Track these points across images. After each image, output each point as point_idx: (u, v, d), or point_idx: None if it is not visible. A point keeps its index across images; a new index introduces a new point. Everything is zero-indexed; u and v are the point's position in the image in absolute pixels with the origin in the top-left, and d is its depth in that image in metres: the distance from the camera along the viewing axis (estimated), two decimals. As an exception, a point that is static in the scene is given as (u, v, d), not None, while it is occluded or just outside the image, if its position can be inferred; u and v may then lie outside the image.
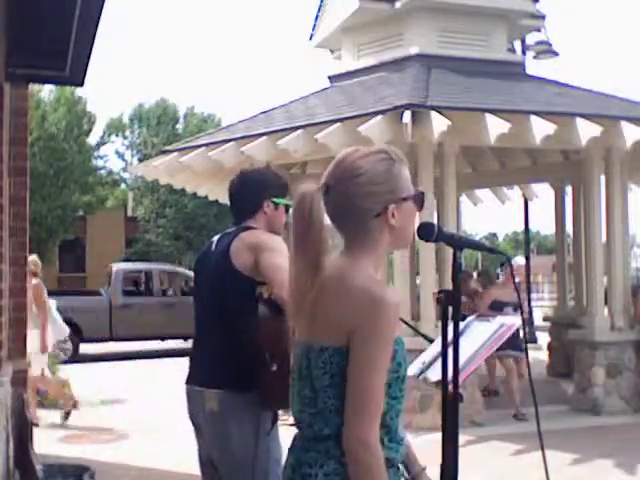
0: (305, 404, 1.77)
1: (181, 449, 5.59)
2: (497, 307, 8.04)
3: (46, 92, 27.48)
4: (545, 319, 11.70)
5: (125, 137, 36.44)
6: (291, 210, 1.79)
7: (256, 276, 2.72)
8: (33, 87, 22.63)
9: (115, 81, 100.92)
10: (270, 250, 2.71)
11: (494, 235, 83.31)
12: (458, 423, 2.04)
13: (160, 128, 33.65)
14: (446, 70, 8.73)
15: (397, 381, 1.74)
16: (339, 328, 1.69)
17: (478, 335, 2.43)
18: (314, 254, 1.71)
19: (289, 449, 1.88)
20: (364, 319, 1.66)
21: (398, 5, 9.07)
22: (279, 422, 2.79)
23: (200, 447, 2.89)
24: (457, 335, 1.99)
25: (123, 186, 37.65)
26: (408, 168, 1.88)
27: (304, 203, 1.73)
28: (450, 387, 2.00)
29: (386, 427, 1.73)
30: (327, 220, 1.78)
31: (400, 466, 1.82)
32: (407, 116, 6.87)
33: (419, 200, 1.85)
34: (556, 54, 14.30)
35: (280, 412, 2.79)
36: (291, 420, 1.89)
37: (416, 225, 1.93)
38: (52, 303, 7.98)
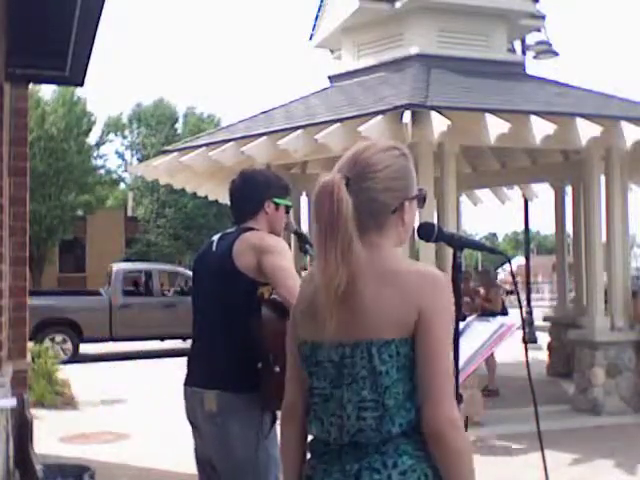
0: (365, 409, 1.66)
1: (181, 449, 5.59)
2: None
3: (48, 92, 27.54)
4: (545, 319, 11.70)
5: (125, 137, 36.48)
6: (313, 198, 1.74)
7: (258, 277, 2.71)
8: (33, 87, 22.71)
9: (115, 81, 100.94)
10: (274, 252, 2.71)
11: (494, 235, 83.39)
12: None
13: (159, 128, 33.67)
14: (446, 70, 8.73)
15: None
16: (403, 321, 1.65)
17: (478, 335, 2.43)
18: (342, 243, 1.65)
19: (318, 467, 1.72)
20: (431, 300, 1.65)
21: (398, 5, 9.07)
22: (277, 422, 2.79)
23: (197, 446, 2.89)
24: (457, 335, 1.99)
25: (123, 186, 37.68)
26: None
27: (330, 191, 1.68)
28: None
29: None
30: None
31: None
32: (407, 116, 6.87)
33: (422, 199, 1.86)
34: (556, 54, 14.30)
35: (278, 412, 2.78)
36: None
37: (416, 225, 1.94)
38: None
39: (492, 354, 8.91)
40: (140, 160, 31.85)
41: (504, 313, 9.47)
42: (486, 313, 8.72)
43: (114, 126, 35.35)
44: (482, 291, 9.82)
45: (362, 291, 1.66)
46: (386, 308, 1.65)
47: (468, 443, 1.64)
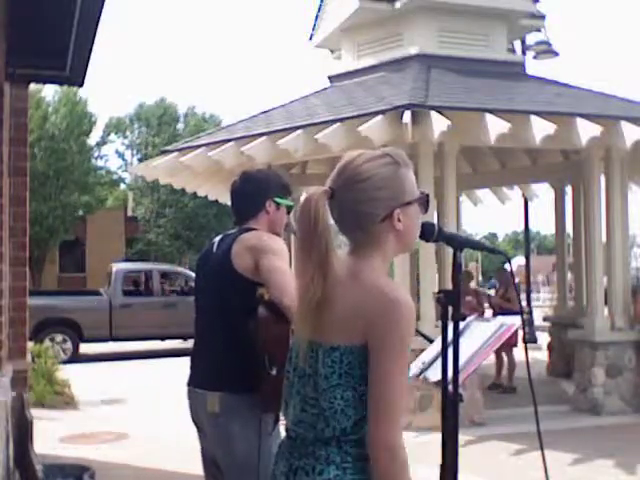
0: (307, 404, 1.75)
1: (181, 449, 5.60)
2: None
3: (50, 92, 27.54)
4: (545, 319, 11.71)
5: (125, 137, 36.47)
6: (295, 212, 1.80)
7: (256, 278, 2.71)
8: (35, 87, 22.69)
9: (116, 81, 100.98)
10: (270, 252, 2.70)
11: (494, 235, 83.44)
12: (458, 423, 2.04)
13: (160, 128, 33.66)
14: (446, 70, 8.72)
15: None
16: (352, 327, 1.68)
17: (478, 335, 2.43)
18: (319, 256, 1.70)
19: (278, 455, 1.85)
20: (382, 320, 1.66)
21: (398, 5, 9.07)
22: (280, 422, 2.79)
23: (203, 447, 2.89)
24: (457, 335, 1.99)
25: (123, 186, 37.68)
26: (412, 170, 1.87)
27: (309, 206, 1.73)
28: (450, 387, 2.00)
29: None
30: (332, 222, 1.78)
31: None
32: (407, 116, 6.87)
33: (424, 203, 1.85)
34: (556, 54, 14.30)
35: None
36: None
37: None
38: None
39: (512, 354, 9.19)
40: (141, 160, 31.84)
41: (521, 313, 9.58)
42: (505, 312, 8.88)
43: (115, 127, 35.35)
44: (501, 290, 10.23)
45: (330, 298, 1.72)
46: (340, 314, 1.71)
47: (402, 467, 1.63)
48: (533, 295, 19.45)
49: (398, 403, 1.65)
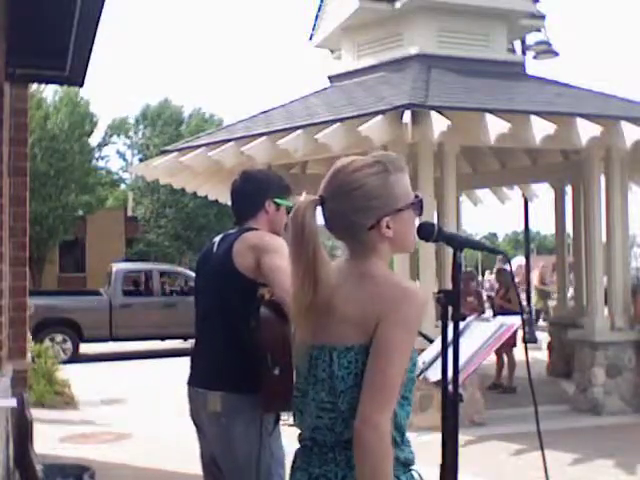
0: (323, 409, 1.74)
1: (182, 449, 5.60)
2: None
3: (50, 92, 27.53)
4: (545, 319, 11.71)
5: (128, 137, 36.47)
6: (289, 218, 1.82)
7: (258, 277, 2.71)
8: (37, 88, 22.67)
9: (119, 82, 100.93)
10: (272, 252, 2.70)
11: (494, 235, 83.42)
12: (458, 423, 2.05)
13: (164, 129, 33.64)
14: (446, 70, 8.72)
15: (410, 382, 1.75)
16: (365, 325, 1.69)
17: (478, 335, 2.43)
18: (306, 261, 1.72)
19: (293, 467, 1.85)
20: (394, 309, 1.67)
21: (398, 5, 9.07)
22: (280, 422, 2.79)
23: (202, 447, 2.89)
24: (457, 335, 1.99)
25: (123, 186, 37.68)
26: (408, 173, 1.87)
27: (298, 214, 1.75)
28: (450, 387, 2.00)
29: (400, 428, 1.73)
30: (322, 229, 1.80)
31: (415, 469, 1.81)
32: (407, 116, 6.87)
33: (417, 207, 1.85)
34: (556, 54, 14.29)
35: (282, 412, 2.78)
36: (292, 420, 1.88)
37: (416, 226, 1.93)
38: None
39: (512, 354, 9.22)
40: (141, 160, 31.81)
41: (521, 313, 9.61)
42: (505, 312, 8.90)
43: (118, 128, 35.35)
44: (501, 291, 10.28)
45: (335, 300, 1.73)
46: (352, 312, 1.71)
47: (384, 449, 1.63)
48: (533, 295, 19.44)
49: (391, 385, 1.65)
